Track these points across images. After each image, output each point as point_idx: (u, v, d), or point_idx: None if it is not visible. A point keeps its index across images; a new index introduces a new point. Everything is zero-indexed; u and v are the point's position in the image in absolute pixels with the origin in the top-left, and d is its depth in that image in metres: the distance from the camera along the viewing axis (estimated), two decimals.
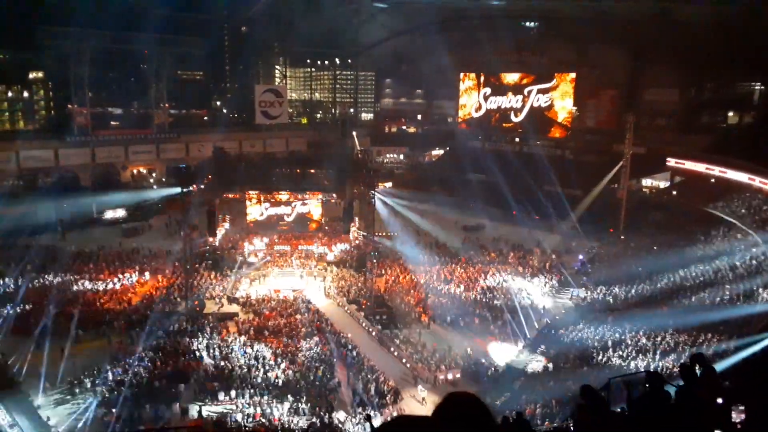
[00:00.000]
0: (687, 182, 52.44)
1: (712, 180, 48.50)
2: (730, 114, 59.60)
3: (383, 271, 41.84)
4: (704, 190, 47.83)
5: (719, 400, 5.75)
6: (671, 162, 52.51)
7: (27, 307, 33.57)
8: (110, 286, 37.69)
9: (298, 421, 24.56)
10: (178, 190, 39.84)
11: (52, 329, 31.34)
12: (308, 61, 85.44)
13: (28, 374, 27.14)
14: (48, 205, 49.29)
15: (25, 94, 69.85)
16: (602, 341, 29.82)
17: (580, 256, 45.08)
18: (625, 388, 6.56)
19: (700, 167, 49.68)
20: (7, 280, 37.24)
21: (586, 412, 6.35)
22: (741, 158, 45.84)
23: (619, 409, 6.44)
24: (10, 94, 68.96)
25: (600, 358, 28.17)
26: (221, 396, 26.32)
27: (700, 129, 58.00)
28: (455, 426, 2.04)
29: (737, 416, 5.58)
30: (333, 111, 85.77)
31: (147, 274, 40.39)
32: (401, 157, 75.73)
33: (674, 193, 53.66)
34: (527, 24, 65.18)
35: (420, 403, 27.17)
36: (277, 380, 27.37)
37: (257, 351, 29.82)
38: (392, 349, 31.70)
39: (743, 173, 45.21)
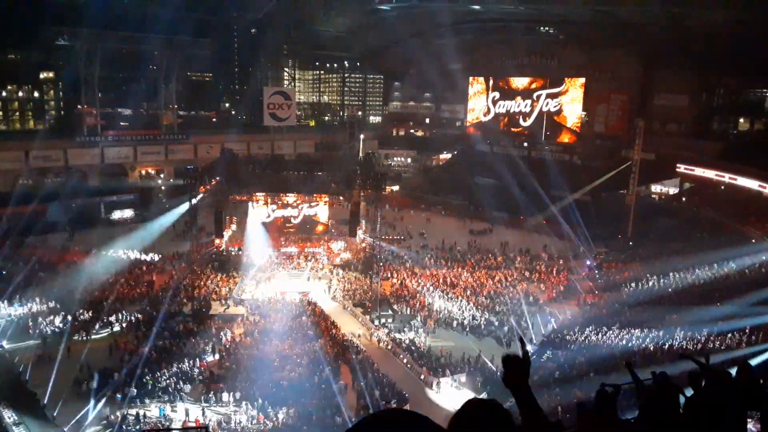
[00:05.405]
0: (697, 189, 52.07)
1: (722, 187, 48.13)
2: (741, 120, 59.17)
3: (389, 275, 41.74)
4: (714, 196, 47.49)
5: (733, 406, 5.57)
6: (681, 168, 52.14)
7: (34, 305, 33.68)
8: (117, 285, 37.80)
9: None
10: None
11: (59, 327, 31.63)
12: (317, 63, 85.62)
13: (33, 373, 27.23)
14: (56, 204, 49.59)
15: (36, 94, 70.42)
16: (610, 347, 29.55)
17: (588, 262, 44.84)
18: (635, 395, 6.39)
19: (710, 174, 49.32)
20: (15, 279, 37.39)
21: (588, 418, 6.20)
22: (752, 165, 45.47)
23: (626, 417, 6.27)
24: (20, 93, 69.57)
25: (607, 364, 27.89)
26: (225, 397, 26.27)
27: (710, 135, 57.59)
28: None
29: (753, 425, 5.41)
30: (341, 114, 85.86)
31: (154, 274, 40.53)
32: (409, 160, 75.69)
33: (683, 199, 53.29)
34: (543, 29, 64.79)
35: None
36: (282, 382, 27.26)
37: None
38: (398, 353, 31.53)
39: (754, 180, 44.85)
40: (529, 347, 31.81)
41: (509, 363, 2.51)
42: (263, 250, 44.33)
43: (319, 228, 48.03)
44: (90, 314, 33.13)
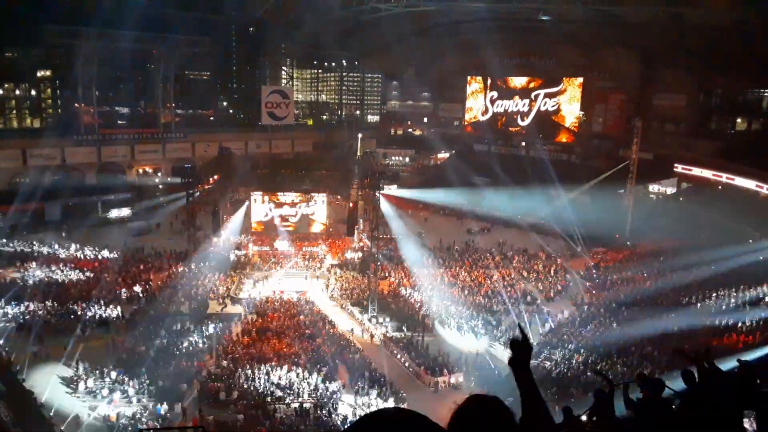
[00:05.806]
0: (694, 188, 52.12)
1: (720, 186, 48.19)
2: (739, 120, 59.25)
3: (387, 274, 41.73)
4: (711, 196, 47.51)
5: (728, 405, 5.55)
6: (679, 168, 52.20)
7: (30, 304, 33.59)
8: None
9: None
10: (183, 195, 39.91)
11: (55, 326, 31.57)
12: (315, 62, 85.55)
13: (30, 371, 27.15)
14: (53, 203, 49.45)
15: (33, 92, 70.27)
16: (607, 347, 29.56)
17: (586, 261, 44.85)
18: (624, 395, 6.40)
19: (707, 173, 49.40)
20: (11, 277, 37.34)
21: (574, 422, 6.20)
22: (749, 165, 45.53)
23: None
24: (18, 92, 69.42)
25: (604, 364, 27.91)
26: (222, 396, 26.22)
27: (708, 135, 57.65)
28: (477, 428, 1.98)
29: (749, 424, 5.39)
30: (339, 112, 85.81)
31: (151, 273, 40.47)
32: (407, 159, 75.65)
33: (681, 199, 53.35)
34: (541, 28, 64.55)
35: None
36: (279, 381, 27.25)
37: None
38: (395, 352, 31.54)
39: (751, 180, 44.92)
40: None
41: (516, 345, 2.56)
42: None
43: (317, 227, 48.01)
44: (87, 313, 33.06)
